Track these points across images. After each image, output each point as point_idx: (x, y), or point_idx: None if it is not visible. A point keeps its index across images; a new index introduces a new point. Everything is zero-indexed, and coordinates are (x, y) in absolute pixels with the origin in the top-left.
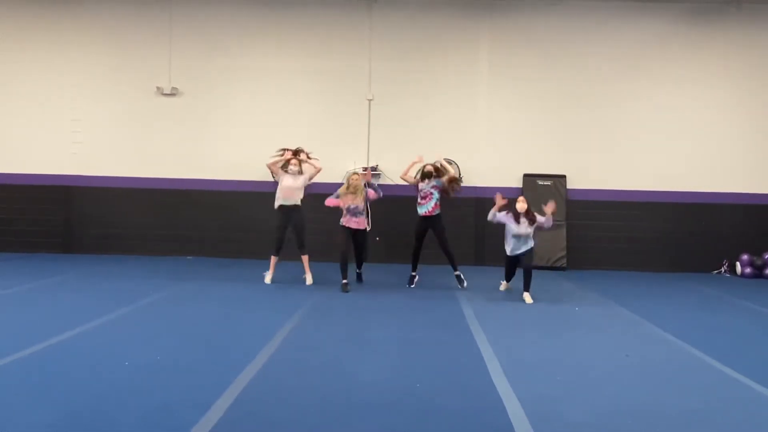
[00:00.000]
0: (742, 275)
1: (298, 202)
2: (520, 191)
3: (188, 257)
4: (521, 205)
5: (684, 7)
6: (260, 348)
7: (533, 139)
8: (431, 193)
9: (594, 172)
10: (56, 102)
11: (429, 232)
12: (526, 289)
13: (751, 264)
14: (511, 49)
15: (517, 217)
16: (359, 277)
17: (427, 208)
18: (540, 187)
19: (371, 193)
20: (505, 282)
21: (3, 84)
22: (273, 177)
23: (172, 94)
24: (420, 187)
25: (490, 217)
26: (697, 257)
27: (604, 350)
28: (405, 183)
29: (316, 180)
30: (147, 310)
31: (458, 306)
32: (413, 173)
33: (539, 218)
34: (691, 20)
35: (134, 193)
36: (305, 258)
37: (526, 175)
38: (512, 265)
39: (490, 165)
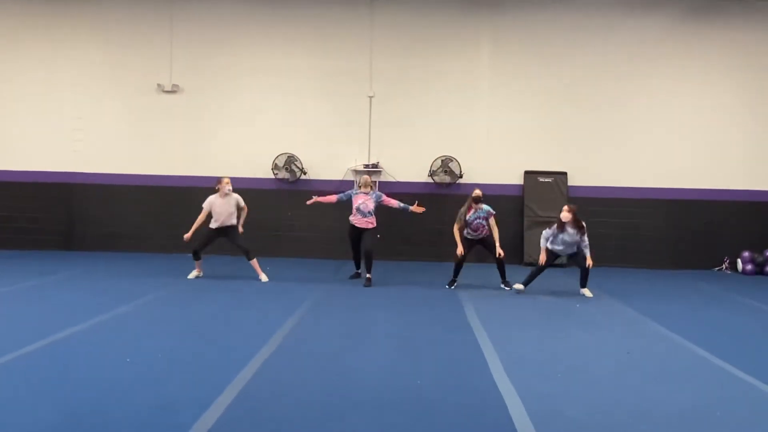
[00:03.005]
0: (744, 272)
1: (234, 222)
2: (521, 188)
3: (189, 254)
4: (566, 215)
5: (685, 5)
6: (261, 345)
7: (534, 136)
8: (483, 225)
9: (595, 169)
10: (57, 99)
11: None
12: (584, 285)
13: (752, 261)
14: (512, 46)
15: (562, 227)
16: (368, 281)
17: (479, 235)
18: (541, 184)
19: (392, 202)
20: (522, 285)
21: (4, 81)
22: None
23: (173, 92)
24: (468, 219)
25: (542, 243)
26: (698, 254)
27: (605, 347)
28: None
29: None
30: (148, 307)
31: (459, 303)
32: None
33: (584, 233)
34: (692, 18)
35: (135, 190)
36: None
37: (527, 172)
38: (545, 266)
39: (491, 162)
